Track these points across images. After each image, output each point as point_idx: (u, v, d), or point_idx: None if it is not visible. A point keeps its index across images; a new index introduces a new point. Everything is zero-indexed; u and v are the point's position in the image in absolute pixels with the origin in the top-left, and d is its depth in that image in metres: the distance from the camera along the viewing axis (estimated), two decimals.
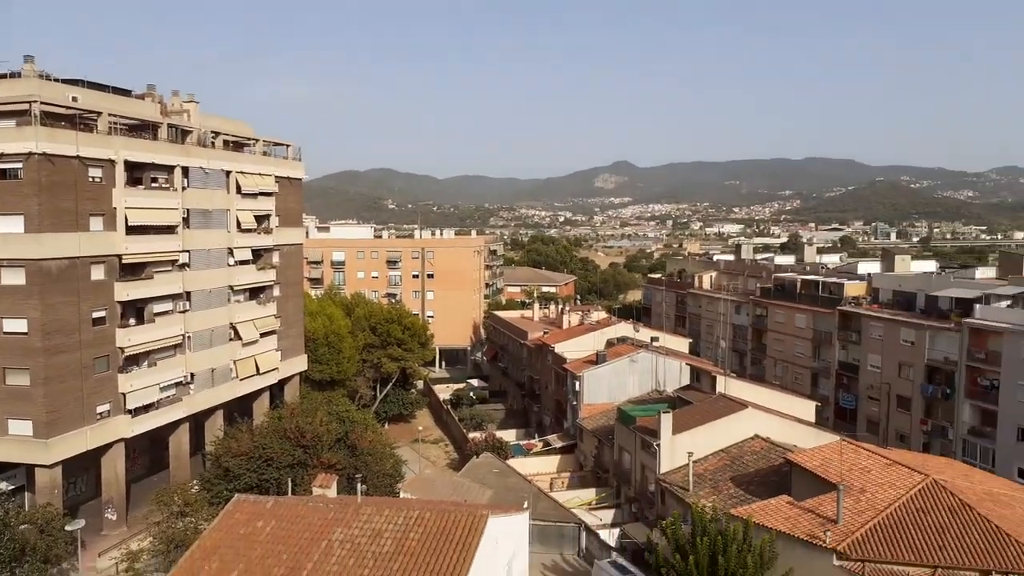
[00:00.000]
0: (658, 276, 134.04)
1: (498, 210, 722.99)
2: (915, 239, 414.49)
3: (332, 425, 48.22)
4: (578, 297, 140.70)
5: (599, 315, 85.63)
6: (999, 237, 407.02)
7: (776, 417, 47.96)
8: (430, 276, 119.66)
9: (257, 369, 63.09)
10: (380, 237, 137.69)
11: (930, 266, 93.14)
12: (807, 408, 53.52)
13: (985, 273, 77.85)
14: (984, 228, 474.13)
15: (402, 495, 43.87)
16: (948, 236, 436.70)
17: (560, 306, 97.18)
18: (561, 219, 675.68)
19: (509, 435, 72.81)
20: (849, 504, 32.99)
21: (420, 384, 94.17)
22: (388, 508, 28.75)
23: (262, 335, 63.47)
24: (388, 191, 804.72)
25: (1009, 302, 61.23)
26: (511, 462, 58.21)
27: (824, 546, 30.95)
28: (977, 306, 61.43)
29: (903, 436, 67.40)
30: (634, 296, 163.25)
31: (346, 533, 27.24)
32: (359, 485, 33.41)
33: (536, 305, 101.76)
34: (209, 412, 59.72)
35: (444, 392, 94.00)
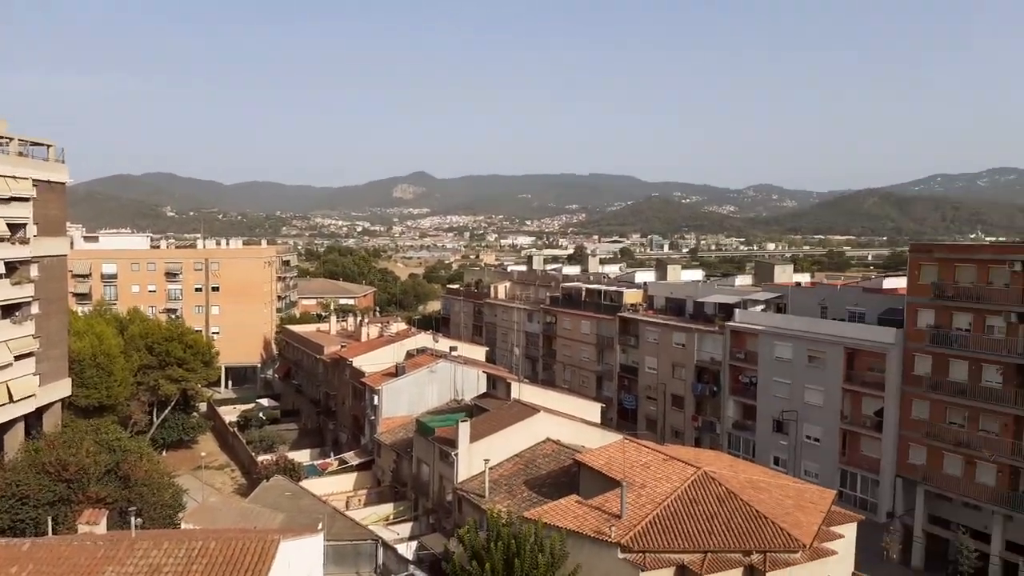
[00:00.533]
0: (456, 287, 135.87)
1: (291, 219, 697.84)
2: (685, 250, 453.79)
3: (100, 456, 43.82)
4: (377, 309, 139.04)
5: (399, 326, 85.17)
6: (755, 248, 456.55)
7: (566, 420, 50.19)
8: (215, 289, 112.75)
9: (10, 396, 55.89)
10: (158, 247, 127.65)
11: (697, 275, 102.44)
12: (593, 409, 56.55)
13: (743, 281, 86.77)
14: (743, 240, 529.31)
15: (183, 527, 40.88)
16: (713, 247, 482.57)
17: (358, 318, 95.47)
18: (359, 229, 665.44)
19: (303, 455, 70.23)
20: (631, 499, 35.23)
21: (203, 407, 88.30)
22: (167, 541, 26.61)
23: (16, 358, 56.36)
24: (167, 197, 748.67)
25: (763, 306, 68.74)
26: (305, 483, 56.17)
27: (609, 541, 32.83)
28: (737, 311, 68.36)
29: (678, 432, 73.36)
30: (433, 307, 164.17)
31: (119, 572, 24.83)
32: (133, 519, 30.65)
33: (333, 318, 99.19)
34: None
35: (231, 414, 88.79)
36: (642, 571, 31.87)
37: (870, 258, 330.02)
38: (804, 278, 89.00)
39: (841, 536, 36.76)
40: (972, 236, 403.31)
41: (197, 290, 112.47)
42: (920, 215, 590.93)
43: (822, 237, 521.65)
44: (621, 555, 32.50)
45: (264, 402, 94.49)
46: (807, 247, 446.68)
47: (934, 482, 51.01)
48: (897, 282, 65.80)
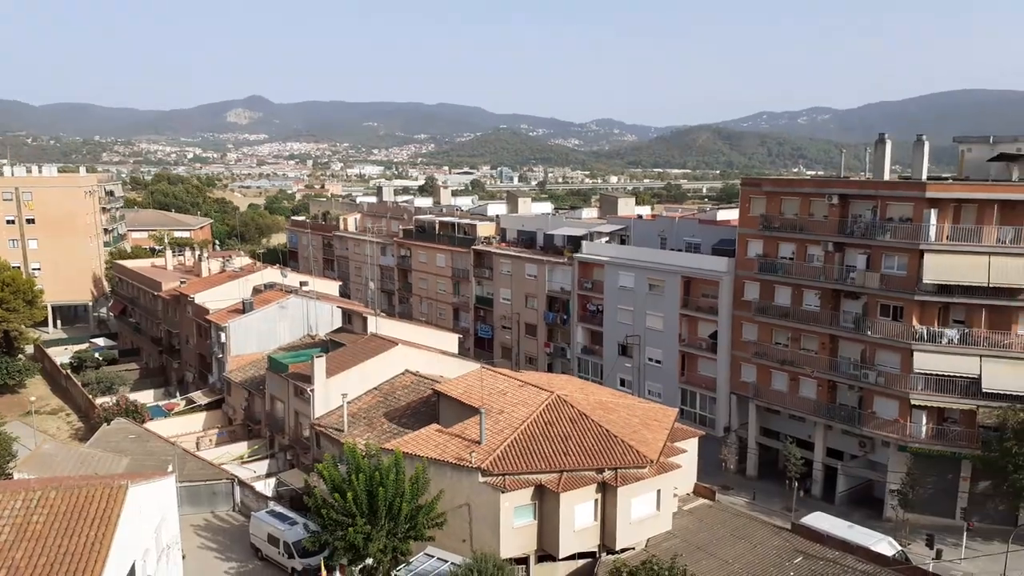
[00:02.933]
0: (303, 218, 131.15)
1: (112, 144, 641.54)
2: (534, 182, 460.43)
3: None
4: (216, 242, 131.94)
5: (242, 261, 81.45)
6: (599, 181, 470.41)
7: (424, 351, 50.60)
8: (30, 222, 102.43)
9: None
10: None
11: (547, 207, 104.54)
12: (451, 341, 57.30)
13: (589, 214, 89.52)
14: (588, 173, 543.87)
15: (16, 476, 38.00)
16: (560, 180, 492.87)
17: (197, 252, 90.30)
18: (190, 156, 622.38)
19: (146, 396, 66.57)
20: (490, 425, 36.37)
21: (30, 349, 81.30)
22: (1, 493, 24.70)
23: None
24: None
25: (607, 238, 71.48)
26: (150, 425, 53.54)
27: (470, 466, 33.88)
28: (584, 242, 70.73)
29: (531, 359, 75.87)
30: (279, 240, 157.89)
31: None
32: None
33: (169, 252, 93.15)
34: None
35: (62, 355, 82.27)
36: (503, 492, 33.23)
37: (705, 191, 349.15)
38: (645, 211, 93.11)
39: (684, 451, 39.89)
40: (795, 170, 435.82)
41: (9, 223, 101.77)
42: (748, 150, 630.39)
43: (661, 171, 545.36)
44: (482, 479, 33.67)
45: (99, 342, 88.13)
46: (647, 180, 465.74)
47: (764, 397, 56.06)
48: (730, 214, 70.24)
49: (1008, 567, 37.79)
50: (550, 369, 71.91)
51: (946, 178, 56.94)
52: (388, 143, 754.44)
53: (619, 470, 34.63)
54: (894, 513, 47.22)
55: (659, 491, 35.91)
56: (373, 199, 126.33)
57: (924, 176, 52.45)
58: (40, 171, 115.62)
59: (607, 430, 36.47)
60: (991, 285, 45.58)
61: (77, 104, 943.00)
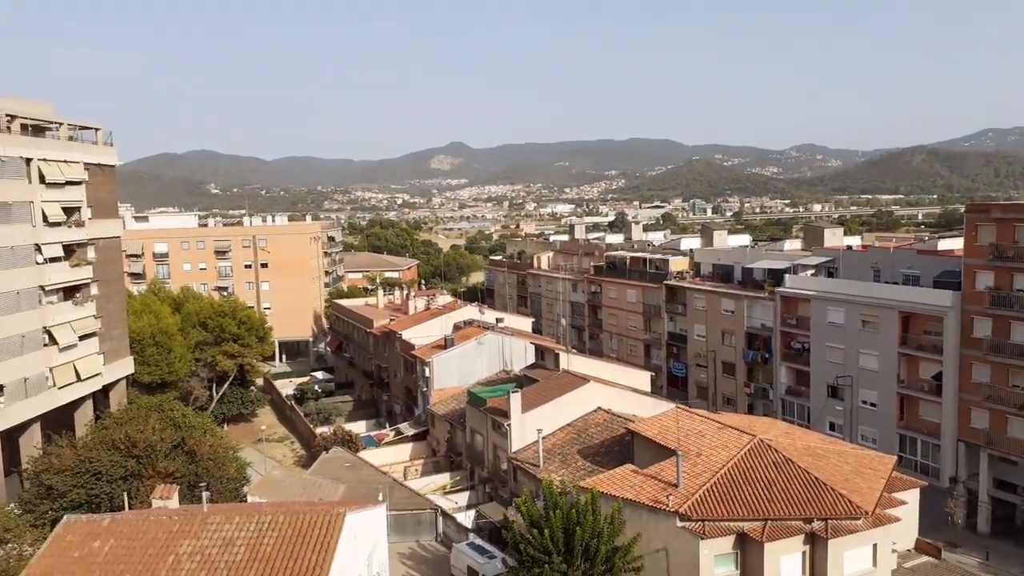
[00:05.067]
0: (499, 257, 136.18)
1: (332, 193, 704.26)
2: (729, 214, 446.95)
3: (166, 431, 45.28)
4: (422, 281, 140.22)
5: (445, 299, 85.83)
6: (801, 210, 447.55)
7: (615, 389, 50.37)
8: (264, 266, 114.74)
9: (77, 376, 57.89)
10: (206, 225, 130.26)
11: (744, 239, 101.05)
12: (643, 378, 56.57)
13: (792, 245, 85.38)
14: (788, 202, 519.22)
15: (250, 499, 42.13)
16: (758, 210, 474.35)
17: (405, 291, 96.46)
18: (399, 201, 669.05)
19: (359, 427, 71.62)
20: (687, 468, 35.30)
21: (260, 381, 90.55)
22: (238, 515, 27.56)
23: (81, 338, 58.26)
24: (211, 174, 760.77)
25: (813, 271, 67.60)
26: (363, 454, 57.39)
27: (668, 509, 33.00)
28: (787, 276, 67.36)
29: (729, 399, 72.97)
30: (477, 278, 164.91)
31: (195, 545, 25.86)
32: (203, 493, 31.72)
33: (380, 291, 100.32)
34: (23, 427, 54.19)
35: (287, 387, 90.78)
36: (702, 539, 32.03)
37: (920, 217, 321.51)
38: (855, 241, 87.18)
39: (904, 503, 36.46)
40: None
41: (247, 267, 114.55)
42: (971, 171, 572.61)
43: (869, 197, 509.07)
44: (680, 523, 32.66)
45: (319, 375, 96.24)
46: (854, 207, 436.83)
47: (998, 446, 50.05)
48: (952, 243, 64.13)
49: None
50: (750, 411, 68.70)
51: None
52: (579, 181, 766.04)
53: (830, 520, 32.23)
54: None
55: (875, 545, 32.96)
56: (565, 237, 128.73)
57: None
58: (273, 220, 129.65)
59: (816, 477, 34.16)
60: None
61: (301, 157, 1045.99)
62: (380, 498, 36.20)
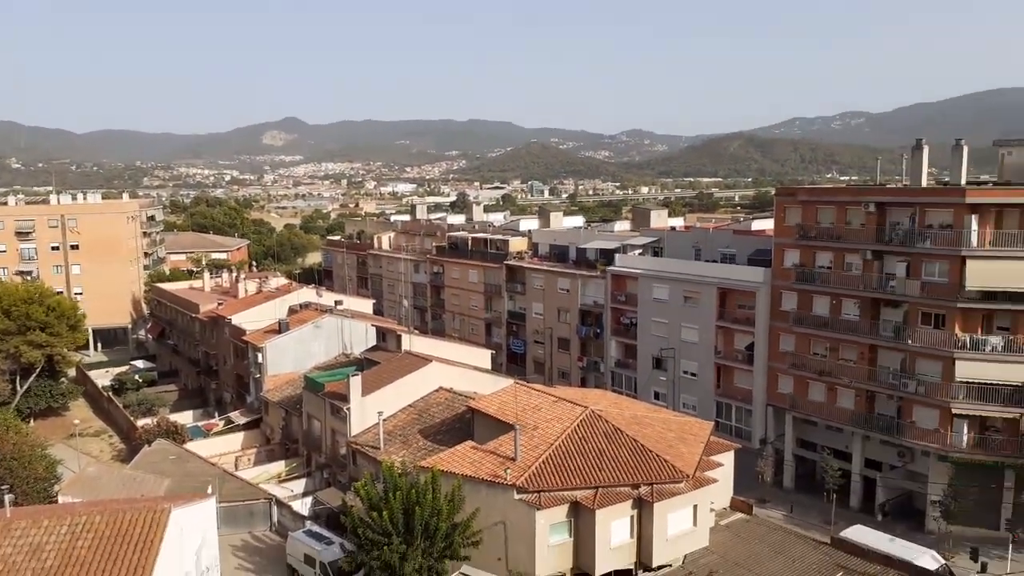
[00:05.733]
0: (337, 238, 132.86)
1: (152, 169, 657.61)
2: (564, 195, 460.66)
3: None
4: (253, 263, 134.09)
5: (278, 281, 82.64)
6: (630, 192, 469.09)
7: (457, 368, 50.75)
8: (74, 247, 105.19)
9: None
10: (5, 203, 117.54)
11: (578, 221, 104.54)
12: (484, 356, 57.36)
13: (622, 226, 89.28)
14: (618, 184, 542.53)
15: (61, 499, 38.86)
16: (591, 192, 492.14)
17: (234, 274, 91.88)
18: (227, 178, 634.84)
19: (185, 417, 67.71)
20: (525, 441, 36.27)
21: (72, 372, 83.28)
22: (47, 518, 25.35)
23: None
24: (11, 148, 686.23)
25: (640, 251, 71.20)
26: (190, 446, 54.40)
27: (505, 483, 33.81)
28: (617, 256, 70.54)
29: (564, 373, 75.71)
30: (314, 259, 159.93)
31: None
32: (5, 496, 28.83)
33: (207, 274, 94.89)
34: None
35: (103, 378, 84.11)
36: (538, 510, 33.10)
37: (737, 199, 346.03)
38: (678, 222, 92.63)
39: (721, 464, 39.38)
40: (828, 176, 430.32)
41: (54, 249, 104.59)
42: (781, 157, 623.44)
43: (692, 180, 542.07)
44: (517, 496, 33.56)
45: (139, 364, 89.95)
46: (678, 190, 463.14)
47: (801, 408, 55.22)
48: (765, 224, 69.54)
49: None
50: (584, 384, 71.65)
51: (986, 182, 55.78)
52: (420, 160, 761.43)
53: (655, 485, 34.29)
54: (936, 525, 46.09)
55: (695, 506, 35.46)
56: (406, 217, 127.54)
57: (963, 181, 51.41)
58: (84, 198, 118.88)
59: (642, 445, 36.15)
60: None
61: (118, 131, 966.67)
62: (209, 491, 34.52)
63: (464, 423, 42.86)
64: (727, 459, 41.36)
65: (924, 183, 52.94)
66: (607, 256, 71.99)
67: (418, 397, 47.58)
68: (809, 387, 54.65)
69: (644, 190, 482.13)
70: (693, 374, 62.80)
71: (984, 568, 41.62)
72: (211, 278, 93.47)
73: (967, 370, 46.06)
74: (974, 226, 46.23)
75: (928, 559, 36.28)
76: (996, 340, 46.26)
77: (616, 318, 69.99)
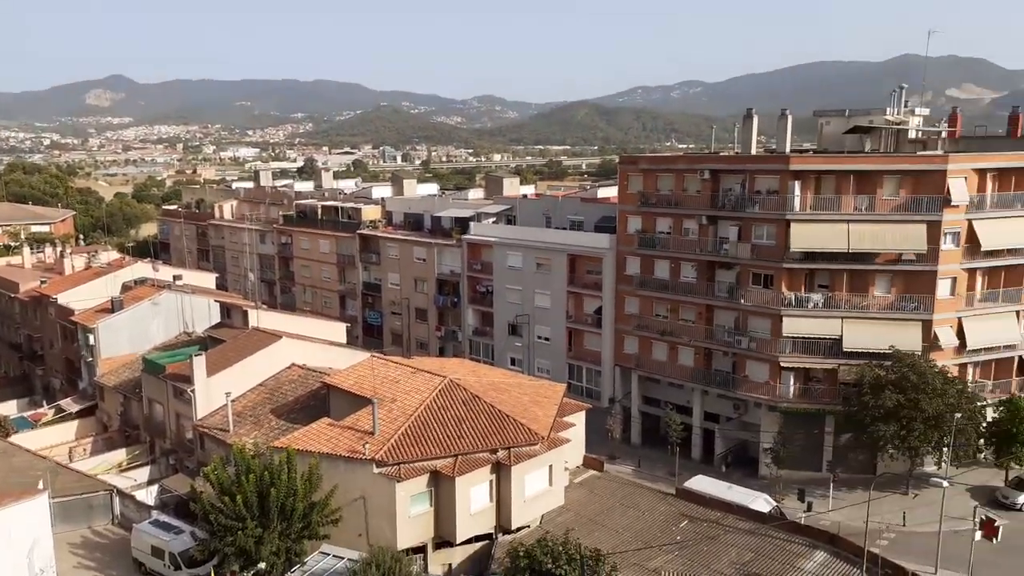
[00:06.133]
0: (174, 207, 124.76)
1: None
2: (418, 162, 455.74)
3: None
4: (80, 236, 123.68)
5: (109, 256, 76.79)
6: (483, 159, 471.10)
7: (310, 343, 49.46)
8: None
9: None
10: None
11: (432, 188, 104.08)
12: (338, 330, 56.22)
13: (476, 194, 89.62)
14: (471, 151, 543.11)
15: None
16: (444, 159, 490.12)
17: (59, 248, 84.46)
18: (47, 142, 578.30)
19: (8, 408, 61.96)
20: (383, 414, 36.11)
21: None
22: None
23: None
24: None
25: (494, 219, 71.88)
26: (15, 439, 49.90)
27: (364, 458, 33.60)
28: (472, 224, 70.87)
29: (423, 344, 75.64)
30: (149, 231, 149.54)
31: None
32: None
33: (26, 249, 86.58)
34: None
35: None
36: (398, 482, 33.17)
37: (584, 167, 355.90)
38: (530, 190, 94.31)
39: (573, 424, 41.02)
40: (668, 144, 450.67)
41: None
42: (625, 125, 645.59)
43: (542, 147, 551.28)
44: (377, 470, 33.47)
45: None
46: (529, 157, 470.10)
47: (645, 367, 58.19)
48: (610, 191, 72.05)
49: (870, 512, 40.97)
50: (442, 353, 71.96)
51: (807, 151, 60.40)
52: (263, 123, 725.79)
53: (512, 449, 35.23)
54: (768, 471, 50.30)
55: (551, 466, 36.81)
56: (250, 184, 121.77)
57: (788, 149, 55.45)
58: None
59: (499, 411, 36.94)
60: (850, 251, 48.86)
61: None
62: (40, 486, 32.02)
63: (319, 400, 42.00)
64: (579, 419, 43.12)
65: (753, 151, 56.64)
66: (462, 224, 72.15)
67: (269, 375, 46.06)
68: (653, 347, 57.63)
69: (497, 157, 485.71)
70: (547, 339, 64.56)
71: (810, 507, 45.87)
72: (32, 254, 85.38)
73: (792, 326, 50.15)
74: (797, 191, 50.02)
75: (762, 502, 39.59)
76: (817, 297, 50.58)
77: (472, 286, 70.53)
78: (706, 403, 55.62)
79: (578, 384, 62.25)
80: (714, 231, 53.86)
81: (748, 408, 53.60)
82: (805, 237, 49.54)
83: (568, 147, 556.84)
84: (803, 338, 50.23)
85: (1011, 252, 50.88)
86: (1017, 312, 52.05)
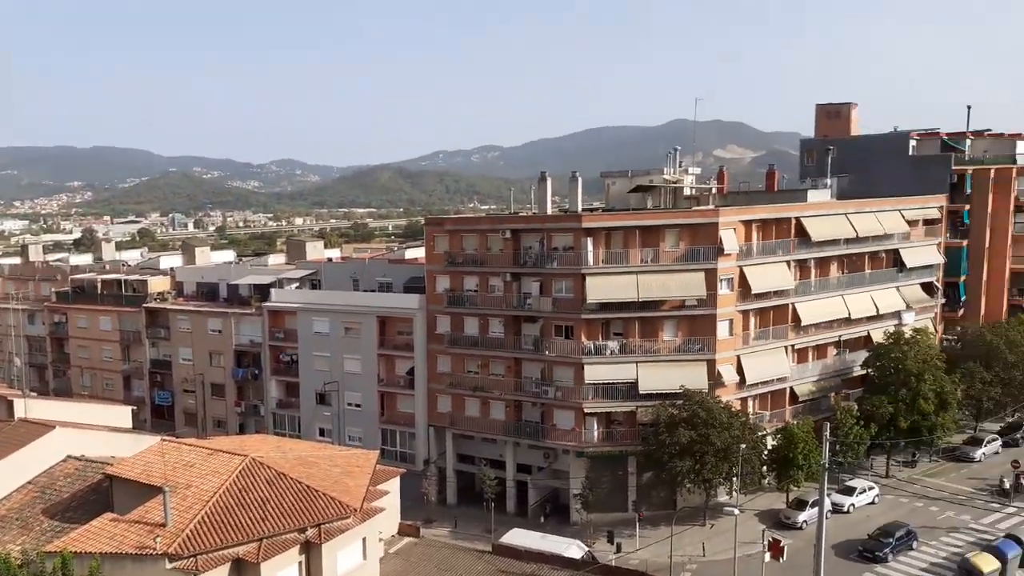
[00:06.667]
0: None
1: None
2: (211, 228, 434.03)
3: None
4: None
5: None
6: (284, 223, 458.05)
7: (89, 431, 44.67)
8: None
9: None
10: None
11: (229, 255, 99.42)
12: (123, 414, 51.11)
13: (276, 259, 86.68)
14: (270, 216, 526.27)
15: None
16: (241, 224, 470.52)
17: None
18: None
19: None
20: (176, 503, 33.06)
21: None
22: None
23: None
24: None
25: (297, 284, 69.75)
26: None
27: (155, 553, 30.48)
28: (273, 290, 68.23)
29: (220, 422, 70.99)
30: None
31: None
32: None
33: None
34: None
35: None
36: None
37: (391, 228, 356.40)
38: (335, 253, 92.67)
39: (387, 492, 39.83)
40: (471, 205, 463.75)
41: None
42: (428, 187, 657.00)
43: (346, 210, 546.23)
44: (170, 565, 30.45)
45: None
46: (333, 220, 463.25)
47: (458, 425, 58.27)
48: (417, 252, 72.51)
49: (673, 546, 43.23)
50: (242, 430, 67.93)
51: (597, 209, 64.50)
52: (33, 193, 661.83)
53: (323, 525, 33.50)
54: (579, 516, 51.74)
55: (364, 539, 35.38)
56: (17, 260, 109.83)
57: (580, 208, 58.98)
58: None
59: (307, 486, 35.08)
60: (640, 300, 52.36)
61: None
62: None
63: (101, 494, 37.77)
64: (393, 485, 41.99)
65: (549, 210, 59.67)
66: (262, 291, 69.31)
67: (40, 471, 40.82)
68: (465, 403, 57.96)
69: (299, 221, 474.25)
70: (358, 405, 62.91)
71: (619, 548, 47.45)
72: None
73: (593, 373, 52.59)
74: (590, 247, 53.07)
75: (575, 549, 40.46)
76: (613, 344, 53.51)
77: (275, 356, 67.49)
78: (518, 455, 56.50)
79: (392, 449, 61.01)
80: (518, 287, 55.64)
81: (557, 456, 55.07)
82: (599, 289, 52.46)
83: (374, 209, 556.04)
84: (603, 384, 52.76)
85: (776, 294, 56.87)
86: (785, 347, 57.97)
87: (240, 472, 35.28)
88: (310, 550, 33.23)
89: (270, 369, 67.51)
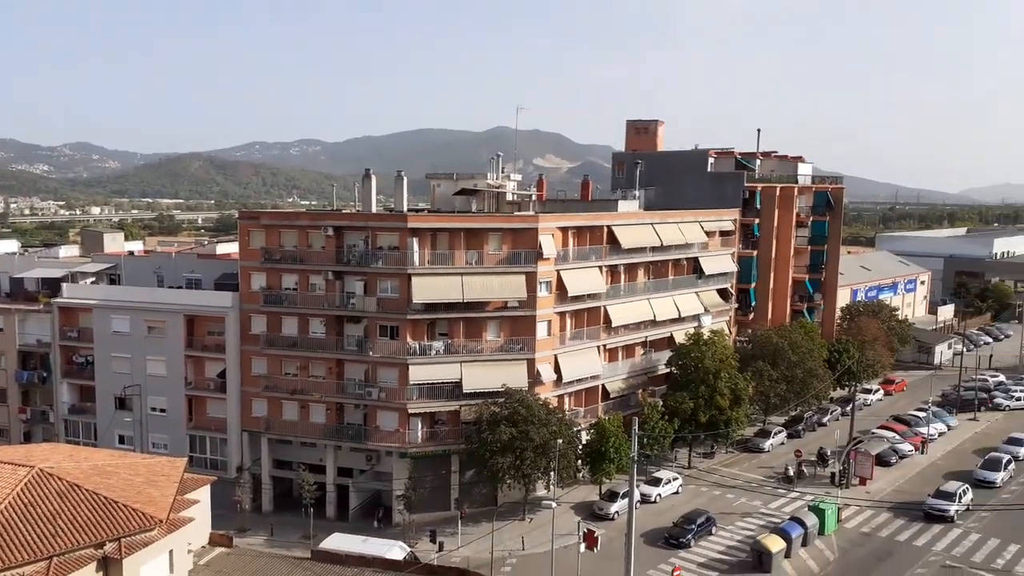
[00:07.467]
0: None
1: None
2: None
3: None
4: None
5: None
6: (78, 212, 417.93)
7: None
8: None
9: None
10: None
11: (12, 246, 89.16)
12: None
13: (69, 251, 79.05)
14: (63, 203, 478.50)
15: None
16: (27, 212, 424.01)
17: None
18: None
19: None
20: None
21: None
22: None
23: None
24: None
25: (94, 279, 64.06)
26: None
27: None
28: (65, 285, 62.19)
29: (2, 431, 63.83)
30: None
31: None
32: None
33: None
34: None
35: None
36: None
37: (200, 221, 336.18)
38: (137, 246, 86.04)
39: (197, 501, 37.53)
40: (290, 200, 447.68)
41: None
42: (243, 179, 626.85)
43: (151, 200, 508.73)
44: None
45: None
46: (135, 211, 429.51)
47: (276, 430, 55.97)
48: (230, 247, 68.92)
49: (494, 542, 44.21)
50: (29, 439, 61.36)
51: (422, 210, 64.53)
52: None
53: (123, 539, 31.06)
54: (402, 517, 51.58)
55: (171, 551, 33.23)
56: None
57: (405, 208, 58.73)
58: None
59: (105, 498, 32.38)
60: (465, 300, 53.02)
61: None
62: None
63: None
64: (203, 494, 39.69)
65: (374, 209, 58.89)
66: (52, 286, 62.93)
67: None
68: (283, 407, 55.86)
69: (96, 210, 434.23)
70: (163, 410, 58.73)
71: (441, 547, 47.76)
72: None
73: (418, 373, 52.56)
74: (416, 247, 53.00)
75: (397, 551, 40.28)
76: (439, 344, 53.78)
77: (68, 357, 61.51)
78: (339, 458, 55.31)
79: (201, 456, 57.52)
80: (341, 286, 54.41)
81: (380, 458, 54.52)
82: (425, 289, 52.57)
83: (181, 200, 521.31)
84: (428, 384, 52.91)
85: (590, 297, 59.76)
86: (598, 347, 61.06)
87: (26, 485, 32.03)
88: (109, 566, 30.79)
89: (61, 371, 61.40)
